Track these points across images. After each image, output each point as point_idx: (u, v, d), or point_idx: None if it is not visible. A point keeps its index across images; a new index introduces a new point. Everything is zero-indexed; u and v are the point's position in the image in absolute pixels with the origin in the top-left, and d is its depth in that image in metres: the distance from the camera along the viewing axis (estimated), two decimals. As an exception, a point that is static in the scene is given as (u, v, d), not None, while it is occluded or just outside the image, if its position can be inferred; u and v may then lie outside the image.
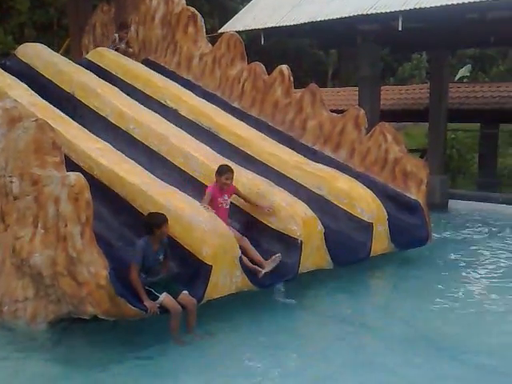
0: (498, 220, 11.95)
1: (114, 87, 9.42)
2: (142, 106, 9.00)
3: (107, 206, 7.10)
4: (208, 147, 8.24)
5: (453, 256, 9.28)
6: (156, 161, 7.99)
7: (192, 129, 8.84)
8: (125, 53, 10.86)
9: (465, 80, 26.65)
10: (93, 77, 9.61)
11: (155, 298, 5.78)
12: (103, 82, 9.52)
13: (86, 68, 10.01)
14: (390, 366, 5.35)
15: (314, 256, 7.21)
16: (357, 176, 8.74)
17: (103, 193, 7.07)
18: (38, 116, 6.73)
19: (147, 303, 5.68)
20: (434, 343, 5.90)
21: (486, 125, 18.69)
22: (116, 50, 10.84)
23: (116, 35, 11.07)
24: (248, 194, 7.32)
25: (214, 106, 9.60)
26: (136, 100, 9.17)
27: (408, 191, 8.86)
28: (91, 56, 10.78)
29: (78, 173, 5.76)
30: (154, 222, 5.98)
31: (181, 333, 5.83)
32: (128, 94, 9.31)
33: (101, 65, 10.35)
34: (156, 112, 8.95)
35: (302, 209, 7.35)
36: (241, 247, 6.52)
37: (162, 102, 9.57)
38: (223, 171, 7.01)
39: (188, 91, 9.88)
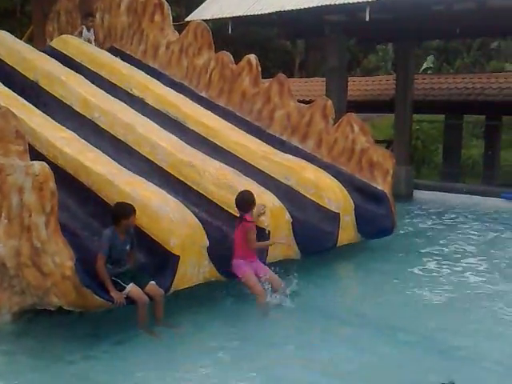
0: (461, 210, 12.17)
1: (78, 75, 9.27)
2: (107, 95, 8.87)
3: (72, 195, 6.99)
4: (175, 137, 8.17)
5: (415, 246, 9.37)
6: (122, 150, 7.89)
7: (159, 118, 8.75)
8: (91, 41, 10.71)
9: (429, 72, 27.03)
10: (57, 64, 9.44)
11: (122, 289, 5.71)
12: (68, 69, 9.36)
13: (50, 55, 9.82)
14: (346, 354, 5.41)
15: (282, 246, 7.23)
16: (324, 166, 8.79)
17: (68, 182, 6.95)
18: (0, 104, 6.58)
19: (114, 294, 5.61)
20: (396, 331, 5.99)
21: (451, 116, 18.97)
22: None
23: (83, 27, 10.86)
24: (218, 186, 7.33)
25: (181, 96, 9.52)
26: (101, 88, 9.04)
27: (374, 181, 8.94)
28: (55, 43, 10.59)
29: (42, 162, 5.65)
30: (121, 213, 5.91)
31: (149, 324, 5.78)
32: (93, 82, 9.17)
33: (65, 52, 10.18)
34: (122, 101, 8.84)
35: (269, 199, 7.36)
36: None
37: (128, 90, 9.45)
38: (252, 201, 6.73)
39: (154, 80, 9.78)
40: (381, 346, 5.54)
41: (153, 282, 5.90)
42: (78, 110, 8.50)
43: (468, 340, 5.73)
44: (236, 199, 6.69)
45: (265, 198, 7.29)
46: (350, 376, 4.96)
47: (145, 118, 8.49)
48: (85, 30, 10.78)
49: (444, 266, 8.20)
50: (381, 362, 5.23)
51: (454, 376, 4.65)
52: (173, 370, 5.10)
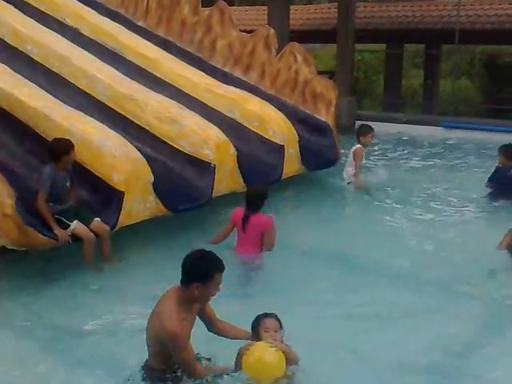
0: (401, 140, 12.35)
1: (7, 4, 8.74)
2: (39, 25, 8.43)
3: (8, 132, 6.73)
4: (113, 69, 7.88)
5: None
6: (58, 83, 7.57)
7: (95, 49, 8.42)
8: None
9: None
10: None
11: (66, 227, 5.62)
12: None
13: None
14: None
15: (227, 180, 7.19)
16: (268, 98, 8.69)
17: (3, 118, 6.68)
18: None
19: (57, 231, 5.52)
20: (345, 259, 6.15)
21: (392, 45, 19.00)
22: None
23: None
24: (160, 120, 7.14)
25: (118, 25, 9.15)
26: (32, 18, 8.56)
27: (317, 113, 8.92)
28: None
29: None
30: (62, 149, 5.75)
31: (97, 261, 5.73)
32: (22, 12, 8.67)
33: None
34: (54, 31, 8.41)
35: (214, 133, 7.24)
36: None
37: (61, 20, 9.01)
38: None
39: (89, 8, 9.33)
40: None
41: (97, 219, 5.83)
42: (9, 42, 8.06)
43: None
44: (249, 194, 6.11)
45: (209, 132, 7.18)
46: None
47: (80, 49, 8.14)
48: None
49: (382, 196, 8.30)
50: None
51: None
52: (120, 304, 5.08)
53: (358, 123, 13.62)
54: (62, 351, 4.42)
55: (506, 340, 4.62)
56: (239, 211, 6.01)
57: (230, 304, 4.63)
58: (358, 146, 8.58)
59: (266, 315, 3.89)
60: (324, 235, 6.77)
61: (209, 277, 3.65)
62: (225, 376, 3.74)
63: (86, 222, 5.74)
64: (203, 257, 3.73)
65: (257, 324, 3.85)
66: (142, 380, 3.75)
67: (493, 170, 8.32)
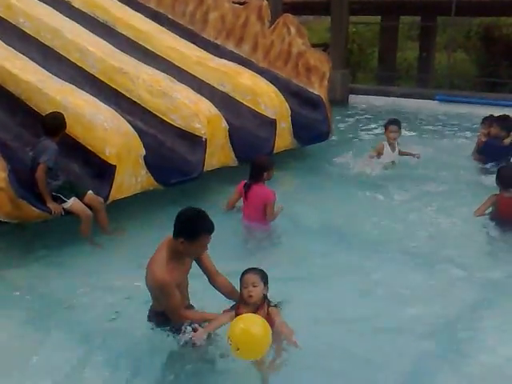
0: (395, 114, 12.32)
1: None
2: (31, -2, 8.37)
3: (0, 105, 6.74)
4: (105, 42, 7.86)
5: (349, 152, 9.10)
6: (50, 57, 7.56)
7: (87, 22, 8.38)
8: None
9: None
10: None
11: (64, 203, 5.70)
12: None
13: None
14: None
15: (219, 154, 7.23)
16: (260, 72, 8.68)
17: (-5, 92, 6.68)
18: None
19: (50, 205, 5.59)
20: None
21: (387, 18, 18.86)
22: None
23: None
24: (151, 93, 7.15)
25: (109, -3, 9.08)
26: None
27: (311, 86, 8.92)
28: None
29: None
30: (58, 124, 5.80)
31: (93, 235, 5.82)
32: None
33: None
34: (46, 4, 8.35)
35: (206, 106, 7.25)
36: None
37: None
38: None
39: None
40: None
41: (91, 192, 5.89)
42: (1, 15, 8.01)
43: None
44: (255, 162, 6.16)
45: (201, 106, 7.20)
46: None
47: (72, 22, 8.11)
48: None
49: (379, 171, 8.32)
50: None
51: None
52: (118, 269, 5.20)
53: (352, 97, 13.73)
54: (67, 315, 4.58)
55: (496, 314, 4.68)
56: (244, 182, 6.15)
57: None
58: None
59: (246, 270, 3.94)
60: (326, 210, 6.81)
61: (195, 236, 3.77)
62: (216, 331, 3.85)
63: (80, 196, 5.80)
64: (194, 215, 3.84)
65: (240, 280, 3.92)
66: (148, 321, 3.99)
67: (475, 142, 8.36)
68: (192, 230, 3.76)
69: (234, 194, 6.32)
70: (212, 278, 4.10)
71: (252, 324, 3.56)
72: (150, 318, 4.02)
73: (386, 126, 8.45)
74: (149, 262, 3.85)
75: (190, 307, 4.07)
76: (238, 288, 3.99)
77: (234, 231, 6.06)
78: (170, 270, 3.74)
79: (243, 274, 3.92)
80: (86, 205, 5.78)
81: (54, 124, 5.83)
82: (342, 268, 5.33)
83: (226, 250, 5.24)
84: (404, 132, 10.51)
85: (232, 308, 3.93)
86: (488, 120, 8.53)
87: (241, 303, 3.90)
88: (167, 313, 3.86)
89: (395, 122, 8.43)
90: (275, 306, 4.00)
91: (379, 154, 8.29)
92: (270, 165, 6.14)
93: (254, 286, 3.84)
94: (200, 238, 3.78)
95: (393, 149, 8.36)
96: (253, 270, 3.92)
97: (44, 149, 5.70)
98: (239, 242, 6.01)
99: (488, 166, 8.03)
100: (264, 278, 3.91)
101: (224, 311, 3.94)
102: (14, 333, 4.41)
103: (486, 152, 8.18)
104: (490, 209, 6.18)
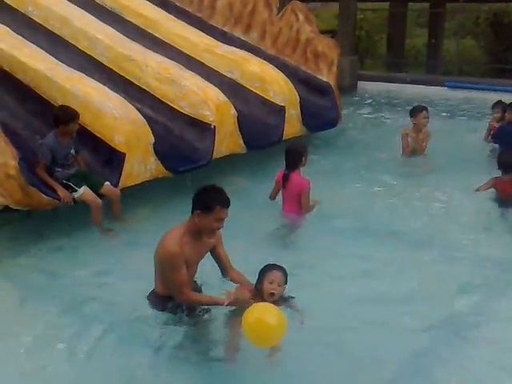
0: (404, 100, 12.28)
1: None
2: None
3: (10, 93, 6.77)
4: (113, 29, 7.87)
5: (357, 139, 9.25)
6: (59, 45, 7.58)
7: (95, 10, 8.38)
8: None
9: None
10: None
11: (74, 192, 5.75)
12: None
13: None
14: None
15: (228, 141, 7.23)
16: (268, 59, 8.66)
17: (5, 80, 6.71)
18: None
19: (60, 192, 5.63)
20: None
21: (395, 4, 18.74)
22: None
23: None
24: (160, 80, 7.15)
25: (118, -15, 9.06)
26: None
27: (319, 73, 8.90)
28: None
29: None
30: (66, 117, 5.79)
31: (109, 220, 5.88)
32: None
33: None
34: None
35: (214, 93, 7.25)
36: None
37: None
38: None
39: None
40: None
41: (108, 183, 5.94)
42: (9, 3, 8.03)
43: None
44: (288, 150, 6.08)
45: (209, 93, 7.20)
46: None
47: (81, 10, 8.11)
48: None
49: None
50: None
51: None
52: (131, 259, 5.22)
53: (360, 83, 13.68)
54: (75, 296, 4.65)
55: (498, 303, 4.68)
56: (282, 171, 6.08)
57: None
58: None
59: (275, 267, 3.97)
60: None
61: (209, 207, 3.85)
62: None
63: (97, 187, 5.85)
64: (209, 189, 3.96)
65: (264, 272, 3.93)
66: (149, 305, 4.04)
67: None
68: (208, 201, 3.86)
69: (275, 185, 6.20)
70: (225, 270, 4.17)
71: (267, 313, 3.50)
72: (150, 301, 4.08)
73: (414, 113, 7.98)
74: (161, 237, 3.93)
75: (198, 289, 4.12)
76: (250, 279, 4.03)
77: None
78: (182, 244, 3.84)
79: (271, 268, 3.94)
80: (102, 195, 5.82)
81: (60, 116, 5.81)
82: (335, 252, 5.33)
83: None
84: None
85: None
86: (499, 105, 8.49)
87: (257, 296, 3.89)
88: (171, 289, 3.90)
89: (426, 108, 8.06)
90: (289, 298, 4.04)
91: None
92: (304, 149, 6.11)
93: (279, 286, 3.90)
94: (215, 210, 3.85)
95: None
96: (281, 270, 3.96)
97: (42, 144, 5.77)
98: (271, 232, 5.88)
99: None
100: (287, 279, 3.98)
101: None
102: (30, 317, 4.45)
103: (500, 136, 8.14)
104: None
